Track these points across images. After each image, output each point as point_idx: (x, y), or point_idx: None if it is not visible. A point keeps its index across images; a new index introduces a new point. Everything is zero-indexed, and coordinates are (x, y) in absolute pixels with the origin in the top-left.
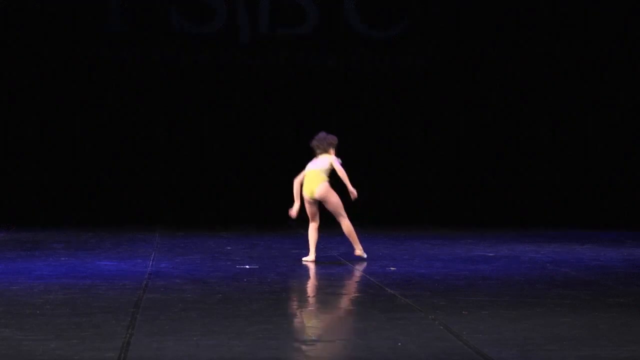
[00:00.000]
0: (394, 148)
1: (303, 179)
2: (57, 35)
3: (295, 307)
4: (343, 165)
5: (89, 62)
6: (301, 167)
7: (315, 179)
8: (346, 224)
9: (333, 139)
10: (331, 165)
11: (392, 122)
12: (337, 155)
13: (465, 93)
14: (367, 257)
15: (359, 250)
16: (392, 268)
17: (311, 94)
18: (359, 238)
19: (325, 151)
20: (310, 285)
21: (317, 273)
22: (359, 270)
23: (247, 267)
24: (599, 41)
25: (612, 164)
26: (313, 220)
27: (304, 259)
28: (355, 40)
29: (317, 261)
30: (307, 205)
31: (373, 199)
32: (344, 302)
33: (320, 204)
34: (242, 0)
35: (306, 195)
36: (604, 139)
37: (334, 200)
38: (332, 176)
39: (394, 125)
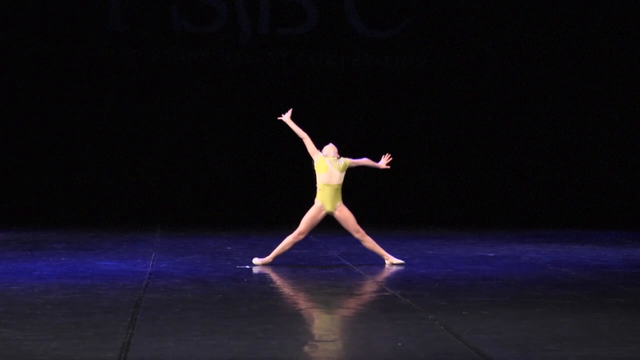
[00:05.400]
0: (394, 148)
1: (313, 148)
2: (57, 34)
3: (295, 307)
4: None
5: (89, 62)
6: (300, 168)
7: (337, 194)
8: (368, 239)
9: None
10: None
11: (392, 122)
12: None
13: (465, 93)
14: (367, 257)
15: (391, 258)
16: (392, 267)
17: (311, 93)
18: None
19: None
20: (310, 285)
21: (317, 273)
22: (359, 270)
23: (247, 267)
24: (599, 41)
25: (612, 164)
26: (304, 231)
27: (255, 260)
28: (355, 40)
29: (270, 265)
30: (315, 215)
31: (373, 198)
32: (344, 302)
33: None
34: (242, 0)
35: (325, 207)
36: (604, 139)
37: (352, 217)
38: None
39: (394, 125)
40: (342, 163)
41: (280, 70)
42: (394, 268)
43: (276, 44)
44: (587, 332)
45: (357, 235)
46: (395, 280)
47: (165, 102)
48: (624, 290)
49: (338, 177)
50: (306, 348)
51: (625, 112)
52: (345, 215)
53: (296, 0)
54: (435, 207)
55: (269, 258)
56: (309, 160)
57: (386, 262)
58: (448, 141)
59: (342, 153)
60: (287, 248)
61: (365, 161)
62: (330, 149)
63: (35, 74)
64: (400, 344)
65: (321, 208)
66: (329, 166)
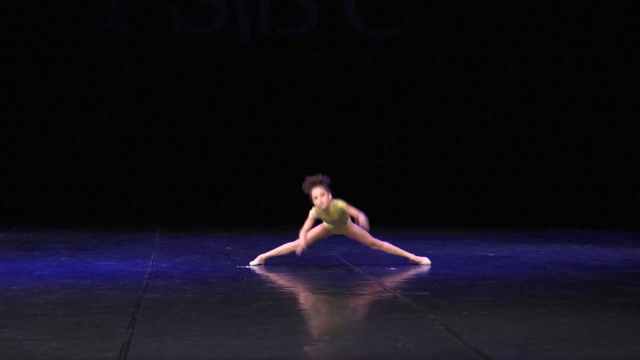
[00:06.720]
0: (394, 148)
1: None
2: (57, 34)
3: (295, 307)
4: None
5: (89, 62)
6: (300, 168)
7: (343, 225)
8: (387, 246)
9: (325, 178)
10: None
11: (392, 122)
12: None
13: (466, 93)
14: (368, 257)
15: (416, 258)
16: (392, 268)
17: (311, 93)
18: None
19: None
20: (311, 285)
21: (317, 273)
22: (359, 270)
23: (248, 267)
24: (599, 41)
25: (612, 164)
26: (309, 243)
27: (250, 263)
28: (355, 40)
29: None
30: (320, 234)
31: (373, 199)
32: (344, 302)
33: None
34: (242, 0)
35: (333, 232)
36: (604, 139)
37: (362, 232)
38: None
39: (394, 125)
40: (336, 214)
41: (280, 70)
42: (394, 268)
43: (276, 44)
44: (587, 332)
45: (374, 248)
46: (395, 280)
47: (165, 102)
48: (624, 290)
49: (337, 225)
50: (306, 348)
51: (625, 112)
52: (356, 233)
53: (296, 0)
54: (435, 207)
55: (263, 258)
56: (309, 161)
57: (411, 262)
58: (448, 141)
59: (341, 158)
60: (283, 253)
61: (360, 217)
62: (318, 198)
63: (35, 74)
64: (400, 344)
65: (329, 230)
66: (326, 227)
